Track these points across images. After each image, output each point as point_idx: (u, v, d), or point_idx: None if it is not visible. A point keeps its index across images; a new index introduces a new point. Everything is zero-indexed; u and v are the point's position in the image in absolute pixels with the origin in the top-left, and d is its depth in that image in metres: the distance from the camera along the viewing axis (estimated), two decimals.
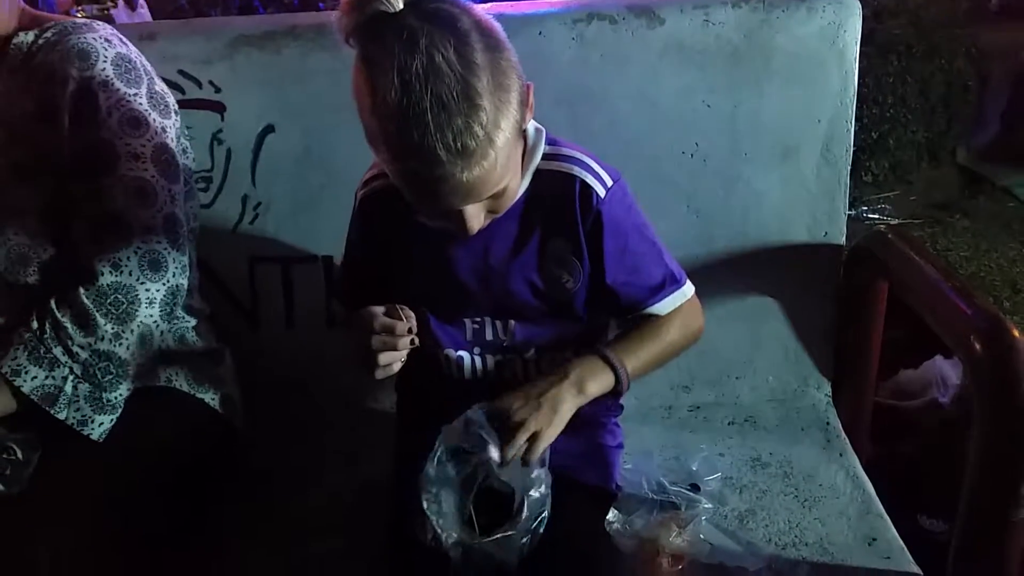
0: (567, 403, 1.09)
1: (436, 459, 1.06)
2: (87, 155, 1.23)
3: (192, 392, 1.37)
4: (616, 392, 1.15)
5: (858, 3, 1.49)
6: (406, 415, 1.36)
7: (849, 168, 1.54)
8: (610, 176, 1.14)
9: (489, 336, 1.20)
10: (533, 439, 1.05)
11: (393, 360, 1.07)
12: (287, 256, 1.59)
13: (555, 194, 1.12)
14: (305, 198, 1.57)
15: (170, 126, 1.32)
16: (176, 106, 1.38)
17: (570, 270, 1.16)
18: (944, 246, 3.35)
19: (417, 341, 1.07)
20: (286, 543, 1.35)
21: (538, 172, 1.12)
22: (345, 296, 1.31)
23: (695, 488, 1.36)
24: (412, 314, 1.08)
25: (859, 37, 1.49)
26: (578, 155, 1.15)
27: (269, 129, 1.54)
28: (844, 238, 1.55)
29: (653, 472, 1.38)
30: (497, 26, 0.97)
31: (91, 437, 1.23)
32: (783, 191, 1.53)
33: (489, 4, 1.54)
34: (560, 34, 1.48)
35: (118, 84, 1.25)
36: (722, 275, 1.55)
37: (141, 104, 1.27)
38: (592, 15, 1.48)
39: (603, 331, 1.27)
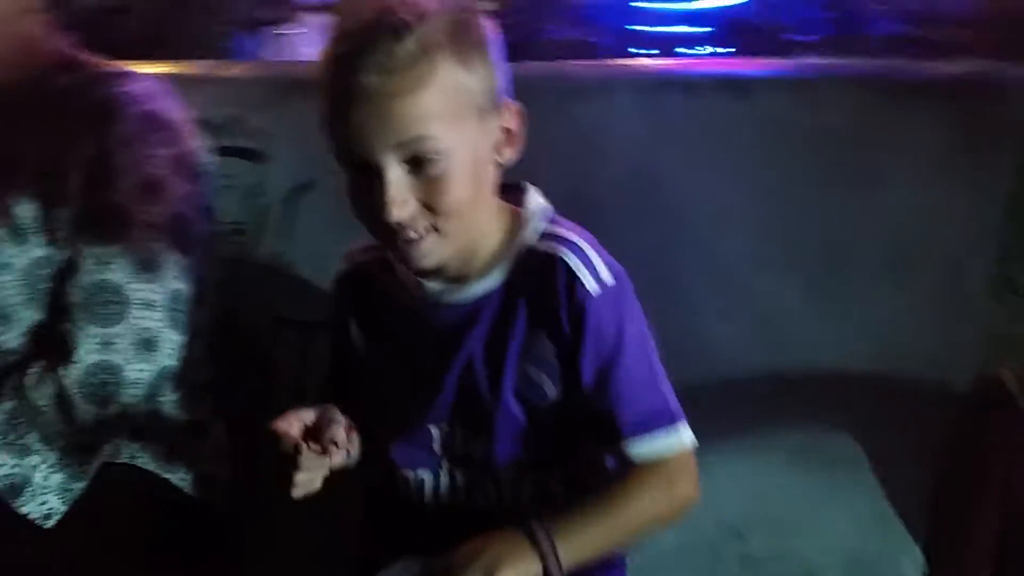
0: None
1: None
2: (97, 220, 1.15)
3: (157, 471, 1.25)
4: None
5: None
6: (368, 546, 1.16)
7: (988, 291, 1.28)
8: (610, 274, 0.97)
9: (459, 448, 1.02)
10: None
11: (312, 481, 0.94)
12: (309, 320, 1.47)
13: (538, 277, 0.97)
14: (335, 261, 1.46)
15: (193, 192, 1.23)
16: (209, 166, 1.30)
17: (551, 374, 0.98)
18: None
19: (350, 453, 0.96)
20: None
21: (529, 251, 0.98)
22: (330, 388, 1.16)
23: None
24: (341, 420, 0.94)
25: None
26: (576, 239, 0.98)
27: (307, 186, 1.46)
28: (968, 380, 1.26)
29: None
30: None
31: (46, 527, 1.14)
32: (892, 310, 1.27)
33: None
34: (632, 103, 1.31)
35: (138, 145, 1.17)
36: (795, 401, 1.30)
37: (161, 168, 1.18)
38: (667, 83, 1.30)
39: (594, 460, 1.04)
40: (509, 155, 0.97)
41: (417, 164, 0.89)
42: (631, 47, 3.11)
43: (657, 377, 0.98)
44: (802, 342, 1.29)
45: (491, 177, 0.97)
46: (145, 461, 1.24)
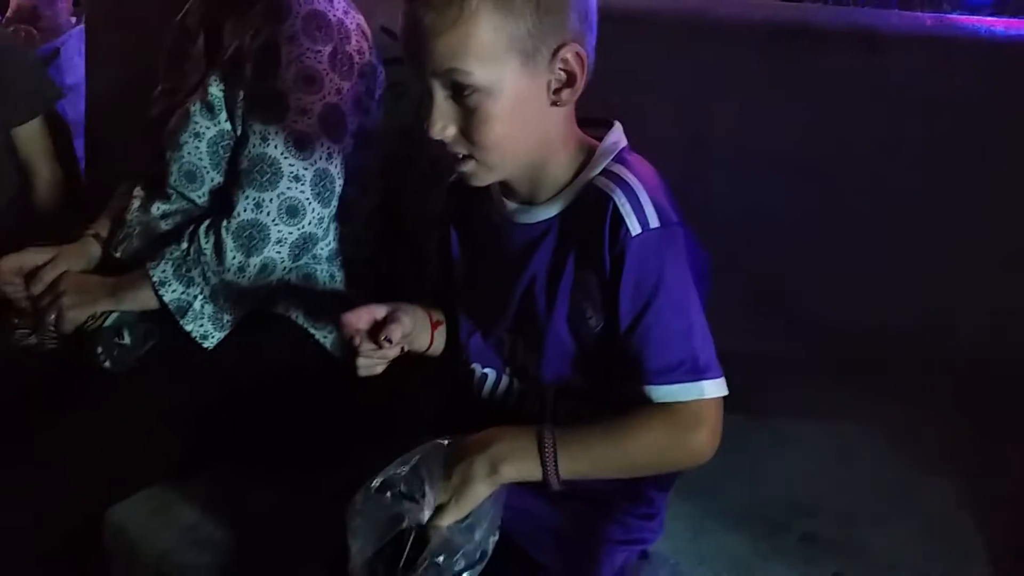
0: (476, 482, 0.95)
1: (372, 488, 0.97)
2: (261, 102, 1.37)
3: (306, 326, 1.47)
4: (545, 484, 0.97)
5: None
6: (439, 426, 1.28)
7: None
8: (659, 218, 0.96)
9: (519, 359, 1.10)
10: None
11: (372, 366, 1.08)
12: None
13: (589, 211, 1.00)
14: None
15: (348, 87, 1.39)
16: (370, 67, 1.45)
17: (596, 308, 1.01)
18: None
19: (397, 351, 1.06)
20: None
21: (589, 186, 1.01)
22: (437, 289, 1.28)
23: None
24: (404, 321, 1.06)
25: None
26: (634, 180, 0.98)
27: None
28: None
29: None
30: None
31: (205, 347, 1.40)
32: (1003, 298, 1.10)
33: None
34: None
35: (303, 40, 1.35)
36: (891, 384, 1.18)
37: (321, 63, 1.36)
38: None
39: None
40: (567, 97, 0.98)
41: (458, 93, 0.96)
42: None
43: (692, 329, 0.97)
44: (904, 321, 1.16)
45: (544, 116, 0.99)
46: (297, 315, 1.47)
